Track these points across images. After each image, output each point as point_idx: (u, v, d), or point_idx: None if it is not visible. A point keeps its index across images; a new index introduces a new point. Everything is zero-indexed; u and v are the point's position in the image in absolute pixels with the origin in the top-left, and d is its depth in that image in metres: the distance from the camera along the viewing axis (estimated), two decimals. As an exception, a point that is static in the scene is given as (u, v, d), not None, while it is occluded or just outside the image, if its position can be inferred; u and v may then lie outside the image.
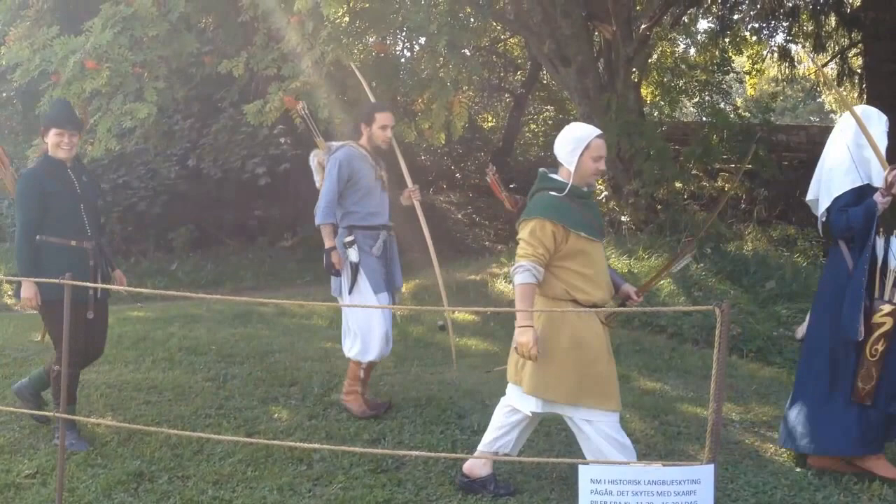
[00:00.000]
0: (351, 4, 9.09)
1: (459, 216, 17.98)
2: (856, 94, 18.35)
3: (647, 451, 4.85)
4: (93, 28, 6.93)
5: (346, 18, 9.10)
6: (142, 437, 4.74)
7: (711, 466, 3.02)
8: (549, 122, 21.34)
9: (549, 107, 21.19)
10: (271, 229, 14.52)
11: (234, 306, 8.49)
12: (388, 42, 11.09)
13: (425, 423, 5.18)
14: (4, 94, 17.45)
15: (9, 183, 5.12)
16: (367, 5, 8.88)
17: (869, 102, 14.24)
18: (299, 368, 6.37)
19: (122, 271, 5.06)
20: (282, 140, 13.14)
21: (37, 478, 4.25)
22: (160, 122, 10.74)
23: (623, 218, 11.12)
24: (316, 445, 4.56)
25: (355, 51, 8.93)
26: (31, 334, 7.32)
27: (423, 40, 9.08)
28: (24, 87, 9.54)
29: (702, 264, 9.67)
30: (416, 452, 4.56)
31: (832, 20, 16.77)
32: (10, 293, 10.39)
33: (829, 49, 17.48)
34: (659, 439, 5.08)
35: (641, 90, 13.23)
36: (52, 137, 4.69)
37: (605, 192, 11.37)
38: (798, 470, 4.62)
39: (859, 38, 15.54)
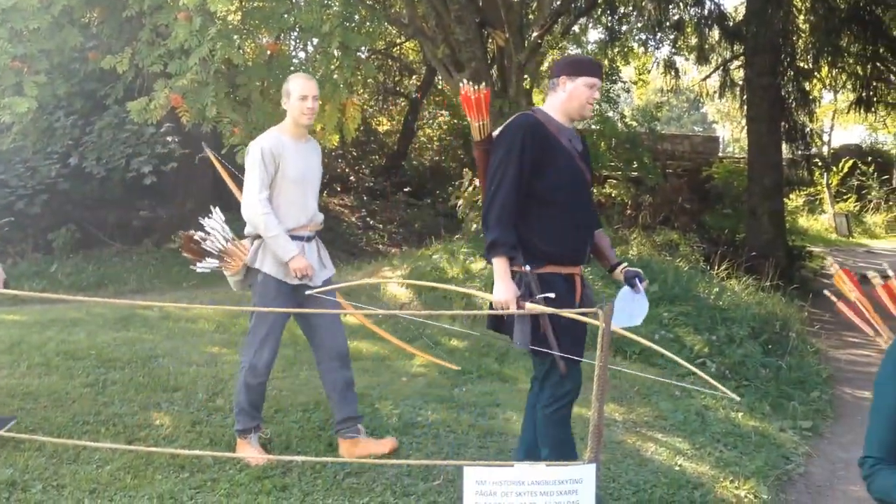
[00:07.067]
0: (242, 3, 8.92)
1: (353, 219, 17.88)
2: (737, 106, 19.18)
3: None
4: (-33, 19, 6.61)
5: (238, 16, 8.94)
6: (16, 445, 4.51)
7: (593, 466, 3.09)
8: (444, 127, 21.46)
9: (443, 111, 21.31)
10: (157, 230, 14.09)
11: (115, 310, 8.18)
12: (281, 41, 10.92)
13: (314, 427, 5.12)
14: None
15: None
16: (259, 4, 8.74)
17: (748, 113, 14.93)
18: (183, 373, 6.18)
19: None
20: (169, 139, 12.78)
21: None
22: (40, 119, 10.29)
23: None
24: (199, 452, 4.44)
25: (247, 49, 8.78)
26: None
27: (316, 41, 8.96)
28: None
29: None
30: (303, 458, 4.50)
31: (715, 33, 17.51)
32: None
33: (713, 61, 18.24)
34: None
35: (533, 97, 13.41)
36: None
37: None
38: (677, 468, 4.78)
39: (741, 50, 16.20)
